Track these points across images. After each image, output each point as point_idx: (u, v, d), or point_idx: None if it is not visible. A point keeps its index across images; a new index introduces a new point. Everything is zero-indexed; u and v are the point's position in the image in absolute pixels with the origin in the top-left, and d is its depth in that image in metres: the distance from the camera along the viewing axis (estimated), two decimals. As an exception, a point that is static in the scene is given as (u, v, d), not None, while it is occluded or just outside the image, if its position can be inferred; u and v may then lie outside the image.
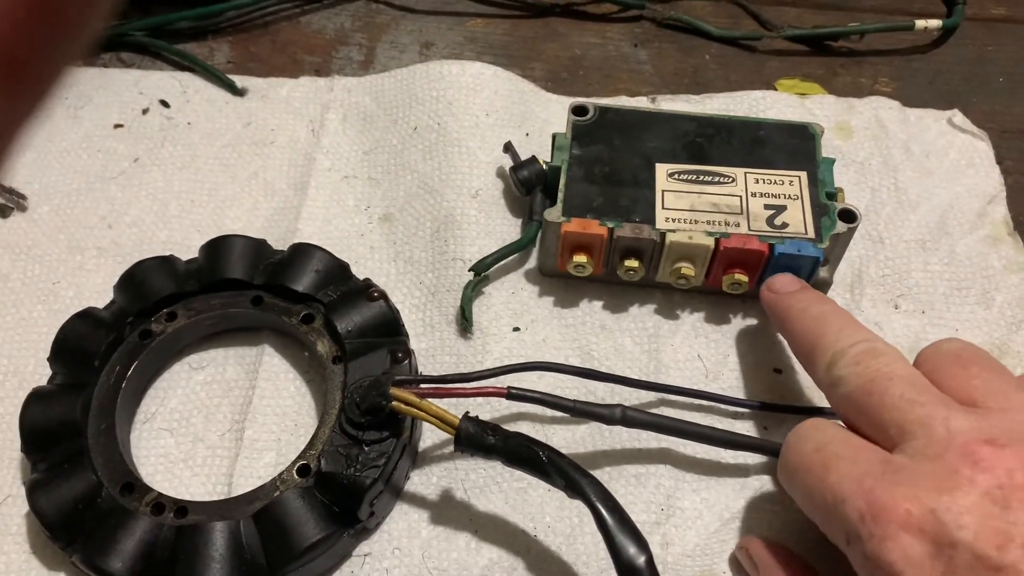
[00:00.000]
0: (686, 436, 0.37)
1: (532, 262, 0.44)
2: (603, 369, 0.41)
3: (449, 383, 0.36)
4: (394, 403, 0.34)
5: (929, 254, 0.44)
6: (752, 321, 0.42)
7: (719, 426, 0.38)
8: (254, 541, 0.34)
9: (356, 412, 0.35)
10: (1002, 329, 0.42)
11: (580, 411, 0.36)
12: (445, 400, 0.35)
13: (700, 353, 0.41)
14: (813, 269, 0.40)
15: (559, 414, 0.37)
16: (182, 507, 0.35)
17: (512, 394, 0.35)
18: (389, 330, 0.39)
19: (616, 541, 0.30)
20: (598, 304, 0.43)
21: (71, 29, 0.14)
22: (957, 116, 0.49)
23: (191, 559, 0.33)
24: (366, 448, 0.35)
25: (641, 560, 0.30)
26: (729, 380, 0.40)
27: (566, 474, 0.32)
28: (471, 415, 0.34)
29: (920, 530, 0.26)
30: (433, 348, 0.41)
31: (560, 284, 0.43)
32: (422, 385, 0.37)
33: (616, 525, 0.31)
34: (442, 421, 0.34)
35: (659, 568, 0.35)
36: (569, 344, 0.42)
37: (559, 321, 0.42)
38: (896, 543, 0.26)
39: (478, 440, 0.34)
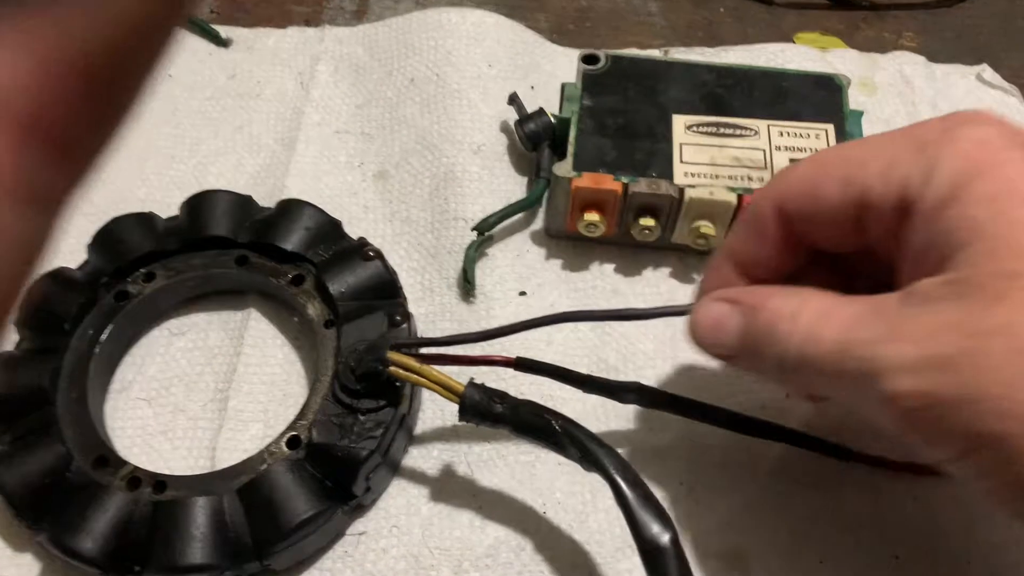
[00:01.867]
0: (707, 419, 0.34)
1: (538, 223, 0.41)
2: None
3: (454, 344, 0.33)
4: (392, 368, 0.31)
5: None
6: (774, 285, 0.40)
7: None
8: (239, 518, 0.31)
9: (351, 378, 0.32)
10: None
11: (593, 386, 0.33)
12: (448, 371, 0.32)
13: (719, 319, 0.38)
14: (842, 228, 0.37)
15: (566, 387, 0.35)
16: (160, 481, 0.32)
17: (521, 364, 0.32)
18: (386, 292, 0.36)
19: (638, 518, 0.28)
20: (609, 267, 0.40)
21: (122, 102, 0.14)
22: (987, 71, 0.46)
23: (169, 537, 0.30)
24: (361, 418, 0.32)
25: (666, 539, 0.27)
26: (750, 348, 0.38)
27: (581, 444, 0.29)
28: (476, 382, 0.31)
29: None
30: (433, 313, 0.38)
31: (568, 246, 0.40)
32: (423, 350, 0.34)
33: (638, 501, 0.28)
34: (445, 388, 0.31)
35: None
36: (579, 309, 0.39)
37: (568, 285, 0.39)
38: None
39: (485, 408, 0.31)
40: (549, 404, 0.36)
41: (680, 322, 0.38)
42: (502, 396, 0.31)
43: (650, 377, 0.37)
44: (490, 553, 0.33)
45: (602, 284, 0.39)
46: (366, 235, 0.40)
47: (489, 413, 0.31)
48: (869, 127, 0.44)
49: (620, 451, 0.35)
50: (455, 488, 0.34)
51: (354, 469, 0.31)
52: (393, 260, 0.40)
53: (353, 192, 0.42)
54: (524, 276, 0.39)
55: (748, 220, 0.29)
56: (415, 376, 0.31)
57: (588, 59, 0.41)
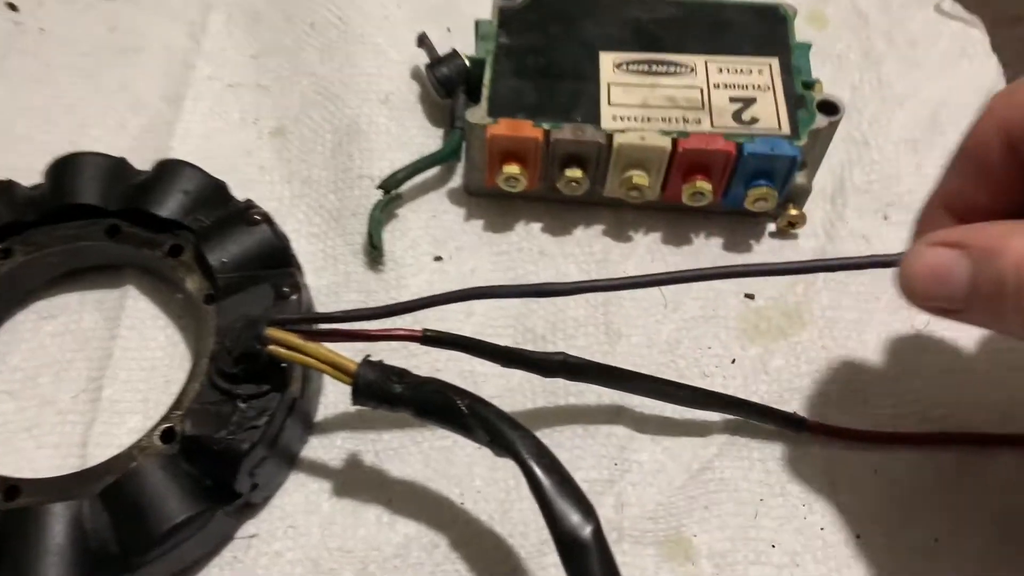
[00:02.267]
0: (644, 392, 0.31)
1: (457, 179, 0.37)
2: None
3: (349, 320, 0.28)
4: (271, 347, 0.27)
5: (922, 156, 0.38)
6: (718, 240, 0.36)
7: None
8: (102, 525, 0.27)
9: (228, 361, 0.28)
10: (1008, 240, 0.35)
11: (513, 359, 0.29)
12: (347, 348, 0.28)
13: (658, 279, 0.35)
14: (789, 173, 0.33)
15: (487, 363, 0.31)
16: (12, 486, 0.28)
17: (428, 338, 0.28)
18: (274, 260, 0.31)
19: (555, 508, 0.24)
20: (536, 226, 0.36)
21: None
22: (946, 1, 0.42)
23: (19, 551, 0.26)
24: (242, 405, 0.28)
25: (587, 531, 0.24)
26: (691, 311, 0.34)
27: (491, 426, 0.25)
28: (372, 359, 0.27)
29: None
30: (336, 284, 0.34)
31: (490, 204, 0.36)
32: (318, 326, 0.29)
33: (555, 488, 0.24)
34: (335, 368, 0.27)
35: (614, 536, 0.29)
36: (502, 274, 0.35)
37: (490, 248, 0.35)
38: None
39: (381, 389, 0.27)
40: (469, 381, 0.32)
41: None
42: (401, 374, 0.27)
43: (581, 347, 0.33)
44: (399, 553, 0.29)
45: (528, 245, 0.35)
46: (261, 198, 0.35)
47: (387, 394, 0.27)
48: (819, 63, 0.40)
49: (547, 431, 0.31)
50: (361, 481, 0.30)
51: (234, 464, 0.27)
52: (291, 226, 0.35)
53: (247, 151, 0.37)
54: (440, 239, 0.35)
55: (965, 156, 0.25)
56: (298, 355, 0.27)
57: (505, -7, 0.37)
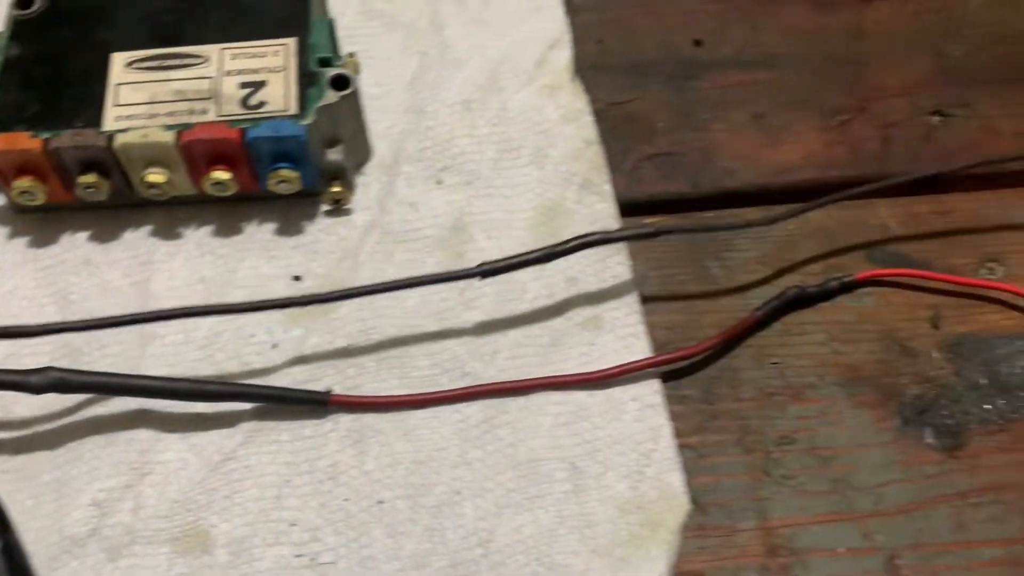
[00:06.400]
0: (163, 395, 0.30)
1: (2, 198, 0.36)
2: (82, 315, 0.33)
3: None
4: None
5: (476, 116, 0.38)
6: (271, 225, 0.36)
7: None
8: None
9: None
10: (556, 187, 0.36)
11: None
12: None
13: (204, 274, 0.34)
14: (303, 152, 0.33)
15: None
16: None
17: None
18: None
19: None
20: (82, 236, 0.35)
21: None
22: (519, -44, 0.43)
23: None
24: None
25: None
26: (234, 299, 0.34)
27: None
28: None
29: None
30: None
31: (38, 220, 0.35)
32: None
33: None
34: None
35: (126, 539, 0.29)
36: (44, 291, 0.34)
37: (34, 264, 0.34)
38: None
39: None
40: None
41: (154, 282, 0.34)
42: None
43: (114, 355, 0.32)
44: None
45: (72, 257, 0.35)
46: None
47: None
48: (388, 35, 0.41)
49: (69, 445, 0.31)
50: None
51: None
52: None
53: None
54: (-24, 263, 0.34)
55: None
56: None
57: (20, 2, 0.36)
